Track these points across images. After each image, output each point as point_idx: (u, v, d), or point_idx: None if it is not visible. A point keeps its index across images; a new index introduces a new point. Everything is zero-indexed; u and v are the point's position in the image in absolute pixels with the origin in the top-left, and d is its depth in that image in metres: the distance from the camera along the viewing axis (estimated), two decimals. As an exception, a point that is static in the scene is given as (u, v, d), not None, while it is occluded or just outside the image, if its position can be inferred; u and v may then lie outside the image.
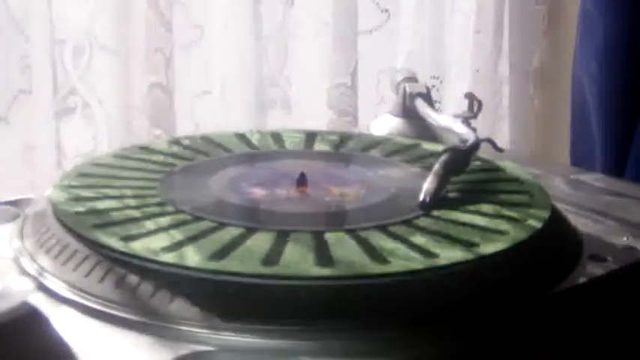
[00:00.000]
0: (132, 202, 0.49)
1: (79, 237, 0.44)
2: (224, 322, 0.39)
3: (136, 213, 0.47)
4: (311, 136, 0.63)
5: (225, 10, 0.95)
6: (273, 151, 0.61)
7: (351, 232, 0.45)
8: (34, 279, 0.44)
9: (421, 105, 0.67)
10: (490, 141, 0.58)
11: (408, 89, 0.69)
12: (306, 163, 0.57)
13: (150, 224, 0.46)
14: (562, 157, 1.04)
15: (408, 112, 0.69)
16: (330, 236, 0.44)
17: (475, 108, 0.65)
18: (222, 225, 0.45)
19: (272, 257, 0.42)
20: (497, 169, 0.57)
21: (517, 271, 0.44)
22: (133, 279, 0.41)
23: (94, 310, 0.41)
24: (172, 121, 0.92)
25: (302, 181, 0.53)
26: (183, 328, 0.39)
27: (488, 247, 0.44)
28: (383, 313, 0.40)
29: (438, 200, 0.50)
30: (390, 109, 0.71)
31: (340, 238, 0.44)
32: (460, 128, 0.61)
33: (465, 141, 0.57)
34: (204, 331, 0.39)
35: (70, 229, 0.45)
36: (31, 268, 0.44)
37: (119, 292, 0.41)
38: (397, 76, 0.72)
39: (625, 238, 0.50)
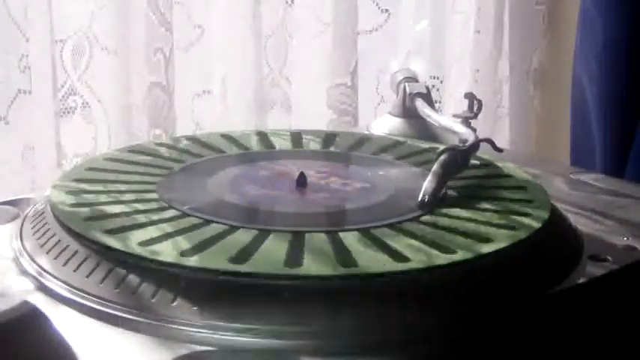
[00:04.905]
0: (132, 202, 0.49)
1: (79, 237, 0.44)
2: (224, 322, 0.39)
3: (135, 213, 0.47)
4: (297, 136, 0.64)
5: (225, 10, 0.95)
6: (271, 151, 0.61)
7: (354, 232, 0.45)
8: (34, 279, 0.44)
9: (421, 105, 0.67)
10: (489, 141, 0.58)
11: (408, 89, 0.69)
12: (305, 163, 0.57)
13: (150, 224, 0.46)
14: (562, 157, 1.04)
15: (408, 112, 0.69)
16: (329, 236, 0.45)
17: (475, 108, 0.65)
18: (224, 226, 0.45)
19: (274, 257, 0.42)
20: (496, 169, 0.57)
21: (517, 270, 0.44)
22: (133, 279, 0.41)
23: (94, 310, 0.41)
24: (172, 121, 0.92)
25: (302, 181, 0.53)
26: (183, 328, 0.39)
27: (488, 247, 0.44)
28: (382, 312, 0.40)
29: (438, 200, 0.50)
30: (390, 109, 0.71)
31: (342, 238, 0.44)
32: (460, 128, 0.61)
33: (464, 141, 0.57)
34: (204, 331, 0.39)
35: (69, 229, 0.45)
36: (31, 268, 0.44)
37: (119, 292, 0.41)
38: (397, 76, 0.72)
39: (625, 238, 0.50)
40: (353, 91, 1.04)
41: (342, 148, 0.62)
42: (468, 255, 0.43)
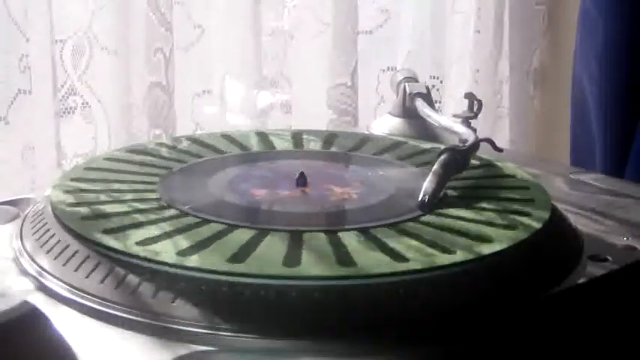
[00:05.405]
0: (132, 202, 0.49)
1: (79, 237, 0.44)
2: (224, 322, 0.39)
3: (135, 213, 0.47)
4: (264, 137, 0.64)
5: (225, 10, 0.95)
6: (269, 151, 0.61)
7: (353, 232, 0.45)
8: (34, 279, 0.44)
9: (421, 105, 0.67)
10: (489, 141, 0.58)
11: (408, 89, 0.69)
12: (304, 163, 0.57)
13: (150, 225, 0.46)
14: (562, 157, 1.04)
15: (408, 112, 0.69)
16: (329, 236, 0.44)
17: (475, 108, 0.65)
18: (224, 226, 0.45)
19: (274, 258, 0.42)
20: (496, 169, 0.57)
21: (517, 271, 0.44)
22: (133, 279, 0.41)
23: (94, 310, 0.41)
24: (172, 121, 0.92)
25: (302, 180, 0.53)
26: (183, 328, 0.39)
27: (488, 247, 0.44)
28: (383, 312, 0.40)
29: (438, 200, 0.50)
30: (390, 109, 0.71)
31: (341, 238, 0.44)
32: (460, 128, 0.61)
33: (464, 141, 0.57)
34: (204, 331, 0.39)
35: (69, 229, 0.45)
36: (31, 268, 0.44)
37: (119, 292, 0.41)
38: (397, 76, 0.72)
39: (625, 238, 0.50)
40: (353, 91, 1.04)
41: (343, 149, 0.62)
42: (469, 255, 0.43)
